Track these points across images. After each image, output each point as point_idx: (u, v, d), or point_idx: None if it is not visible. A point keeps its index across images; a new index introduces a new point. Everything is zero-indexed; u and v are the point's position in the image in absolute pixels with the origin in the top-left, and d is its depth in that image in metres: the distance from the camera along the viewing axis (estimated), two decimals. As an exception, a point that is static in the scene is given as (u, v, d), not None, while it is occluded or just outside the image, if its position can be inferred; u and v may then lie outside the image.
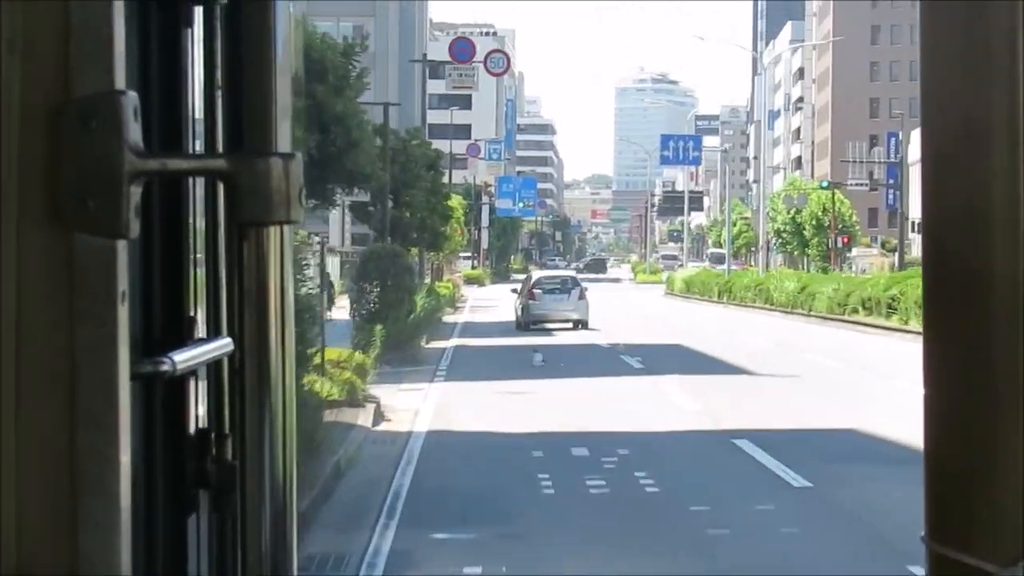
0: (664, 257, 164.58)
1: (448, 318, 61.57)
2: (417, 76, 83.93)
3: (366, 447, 20.46)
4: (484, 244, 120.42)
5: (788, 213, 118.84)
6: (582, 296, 51.25)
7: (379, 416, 24.15)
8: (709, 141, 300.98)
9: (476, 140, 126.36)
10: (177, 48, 1.70)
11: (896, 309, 46.21)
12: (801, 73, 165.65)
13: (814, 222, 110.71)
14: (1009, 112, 1.51)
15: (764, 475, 17.78)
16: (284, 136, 1.54)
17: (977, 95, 1.51)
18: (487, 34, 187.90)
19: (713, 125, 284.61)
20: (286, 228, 1.54)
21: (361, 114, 28.96)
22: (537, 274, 56.15)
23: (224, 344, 1.62)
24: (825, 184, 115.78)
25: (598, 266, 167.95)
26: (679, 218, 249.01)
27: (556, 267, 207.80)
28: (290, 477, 1.58)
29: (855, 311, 50.99)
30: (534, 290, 51.39)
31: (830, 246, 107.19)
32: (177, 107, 1.71)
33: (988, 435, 1.51)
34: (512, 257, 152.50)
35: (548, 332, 49.81)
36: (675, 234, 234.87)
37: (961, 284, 1.52)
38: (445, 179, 65.90)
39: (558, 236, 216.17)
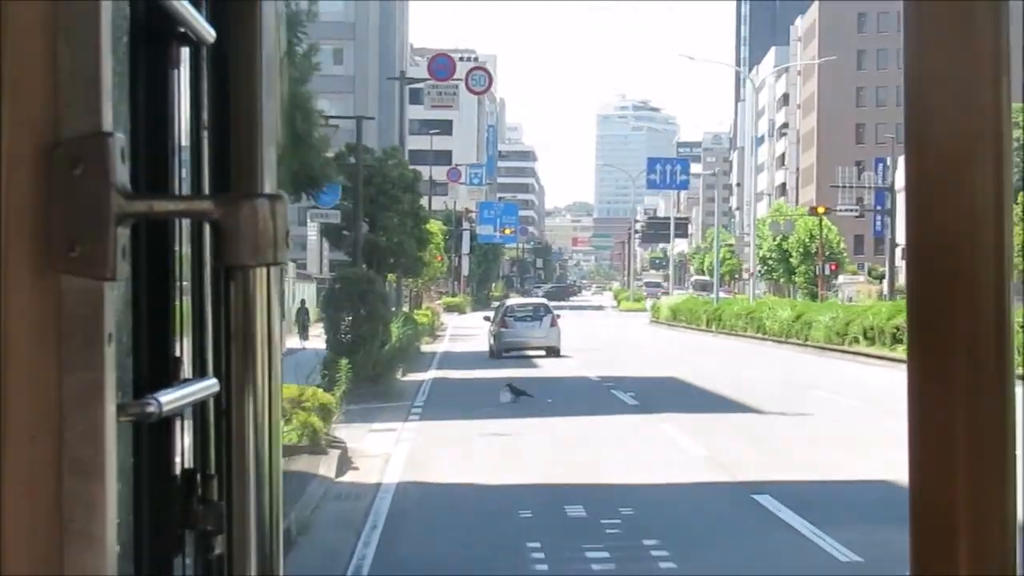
0: (647, 284, 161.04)
1: (427, 347, 58.67)
2: (396, 96, 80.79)
3: (325, 506, 17.37)
4: (465, 271, 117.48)
5: (774, 240, 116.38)
6: (554, 323, 51.03)
7: (344, 464, 21.08)
8: (692, 168, 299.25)
9: (457, 165, 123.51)
10: (164, 89, 1.71)
11: (903, 340, 43.19)
12: (786, 99, 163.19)
13: (801, 249, 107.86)
14: (994, 129, 1.49)
15: (800, 544, 14.73)
16: (270, 177, 1.54)
17: (962, 112, 1.48)
18: (468, 59, 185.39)
19: (695, 152, 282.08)
20: (273, 270, 1.53)
21: (308, 101, 25.55)
22: (509, 302, 55.27)
23: (210, 385, 1.63)
24: (804, 212, 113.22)
25: (561, 293, 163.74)
26: (660, 245, 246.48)
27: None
28: (276, 517, 1.57)
29: (855, 341, 48.05)
30: (506, 318, 51.03)
31: (817, 273, 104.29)
32: (164, 148, 1.70)
33: (973, 473, 1.49)
34: (493, 284, 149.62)
35: (531, 363, 46.89)
36: (657, 261, 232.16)
37: (946, 307, 1.48)
38: (424, 203, 62.92)
39: (539, 263, 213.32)
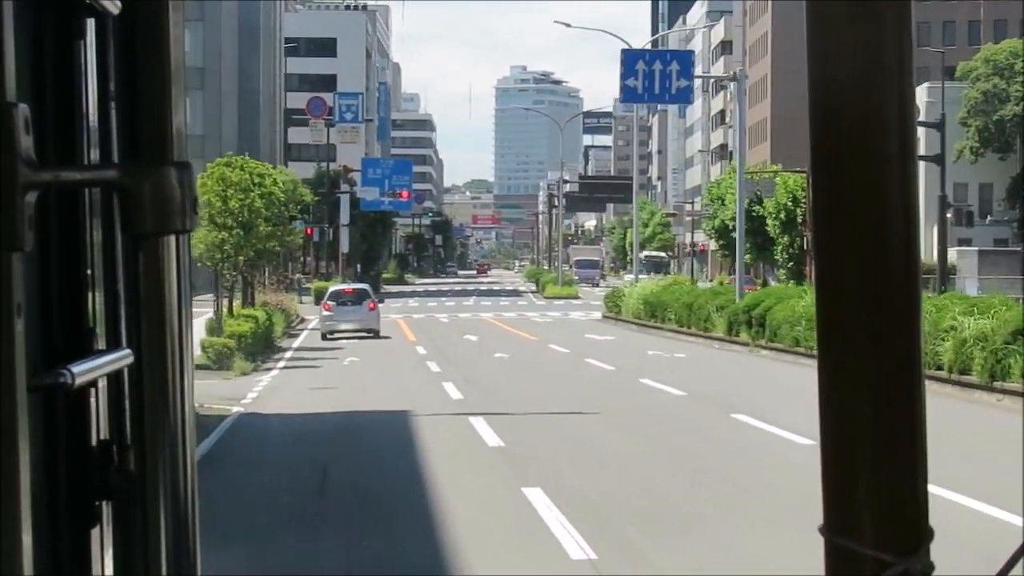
0: (578, 264, 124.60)
1: (229, 394, 26.28)
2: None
3: None
4: (344, 247, 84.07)
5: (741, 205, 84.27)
6: (373, 307, 48.77)
7: None
8: (601, 140, 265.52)
9: (320, 95, 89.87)
10: (70, 60, 1.66)
11: None
12: (726, 47, 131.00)
13: (781, 216, 74.84)
14: (899, 111, 1.44)
15: None
16: (178, 146, 1.52)
17: (867, 95, 1.43)
18: (356, 7, 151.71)
19: (605, 123, 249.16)
20: (182, 238, 1.51)
21: None
22: (333, 288, 53.23)
23: (124, 355, 1.59)
24: (778, 168, 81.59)
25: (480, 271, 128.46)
26: (566, 221, 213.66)
27: (454, 274, 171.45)
28: (191, 487, 1.54)
29: None
30: (328, 302, 48.91)
31: (805, 247, 71.72)
32: (72, 119, 1.67)
33: (883, 427, 1.47)
34: (385, 265, 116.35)
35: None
36: (568, 240, 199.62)
37: (856, 281, 1.46)
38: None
39: (438, 240, 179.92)
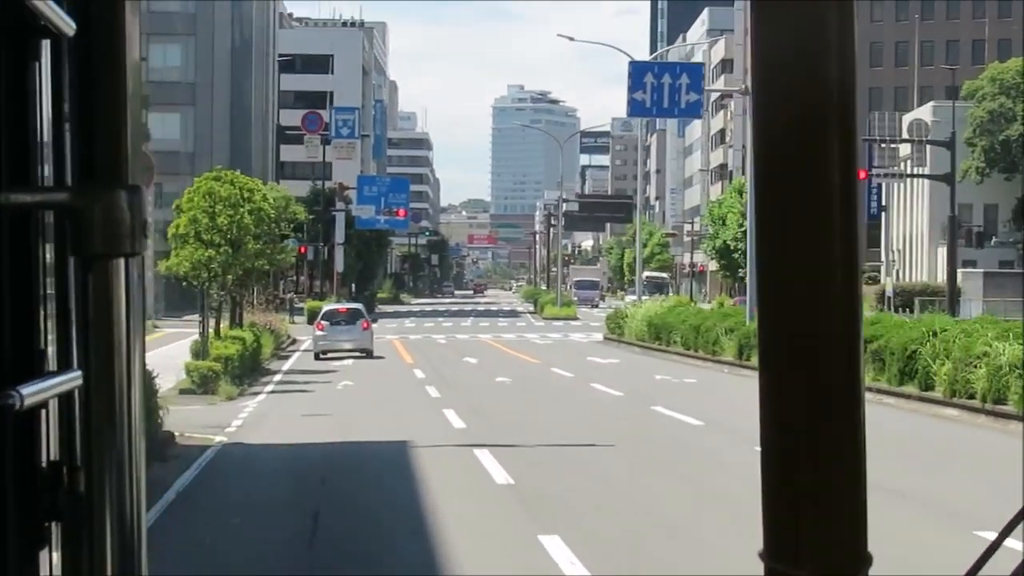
0: (578, 284, 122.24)
1: (220, 414, 24.48)
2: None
3: None
4: (339, 266, 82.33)
5: (740, 226, 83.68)
6: (367, 327, 47.98)
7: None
8: (598, 160, 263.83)
9: (316, 110, 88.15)
10: (24, 82, 1.65)
11: None
12: (727, 66, 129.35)
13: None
14: (841, 114, 1.42)
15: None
16: (130, 169, 1.54)
17: (810, 97, 1.42)
18: (353, 24, 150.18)
19: (602, 143, 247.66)
20: (132, 260, 1.53)
21: None
22: (327, 307, 52.55)
23: (74, 377, 1.60)
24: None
25: (477, 291, 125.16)
26: (563, 240, 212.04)
27: (451, 294, 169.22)
28: (138, 508, 1.55)
29: None
30: (322, 322, 48.06)
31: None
32: (25, 140, 1.66)
33: (822, 453, 1.46)
34: (380, 285, 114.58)
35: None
36: (565, 260, 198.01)
37: (796, 300, 1.44)
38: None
39: (435, 260, 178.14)
